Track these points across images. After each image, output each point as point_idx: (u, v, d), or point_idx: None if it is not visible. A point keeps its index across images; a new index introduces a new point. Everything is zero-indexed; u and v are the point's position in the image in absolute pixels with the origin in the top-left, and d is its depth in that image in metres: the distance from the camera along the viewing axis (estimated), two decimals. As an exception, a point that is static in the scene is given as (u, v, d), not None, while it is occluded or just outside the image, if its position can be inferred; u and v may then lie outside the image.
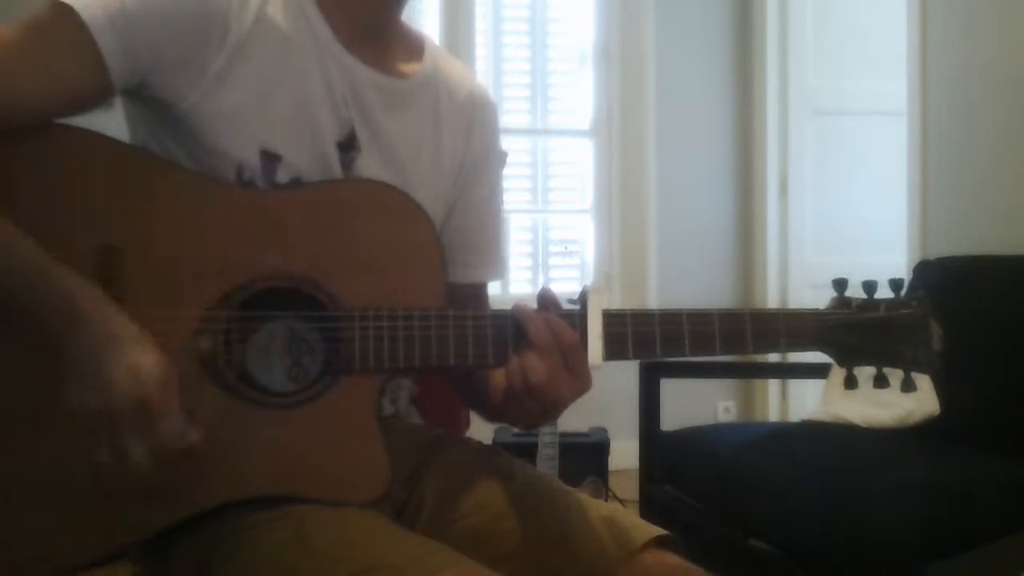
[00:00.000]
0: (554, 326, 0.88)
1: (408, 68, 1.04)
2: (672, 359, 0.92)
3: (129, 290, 0.84)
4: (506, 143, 1.16)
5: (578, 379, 0.89)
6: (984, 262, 2.27)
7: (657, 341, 0.91)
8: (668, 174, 3.67)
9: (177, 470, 0.80)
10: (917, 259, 2.59)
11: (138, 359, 0.78)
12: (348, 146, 0.97)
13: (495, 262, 1.13)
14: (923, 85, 2.74)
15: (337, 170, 0.97)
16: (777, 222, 3.67)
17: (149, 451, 0.77)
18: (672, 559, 0.91)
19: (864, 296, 0.95)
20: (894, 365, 0.94)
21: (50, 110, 0.85)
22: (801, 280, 3.62)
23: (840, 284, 0.96)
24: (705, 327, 0.92)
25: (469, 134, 1.08)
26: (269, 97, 0.92)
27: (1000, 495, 1.68)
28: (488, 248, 1.12)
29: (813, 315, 0.94)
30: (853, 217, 3.59)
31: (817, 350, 0.95)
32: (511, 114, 3.64)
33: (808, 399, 3.39)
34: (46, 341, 0.80)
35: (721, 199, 3.77)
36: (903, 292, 0.95)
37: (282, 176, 0.93)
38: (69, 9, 0.83)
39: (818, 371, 2.38)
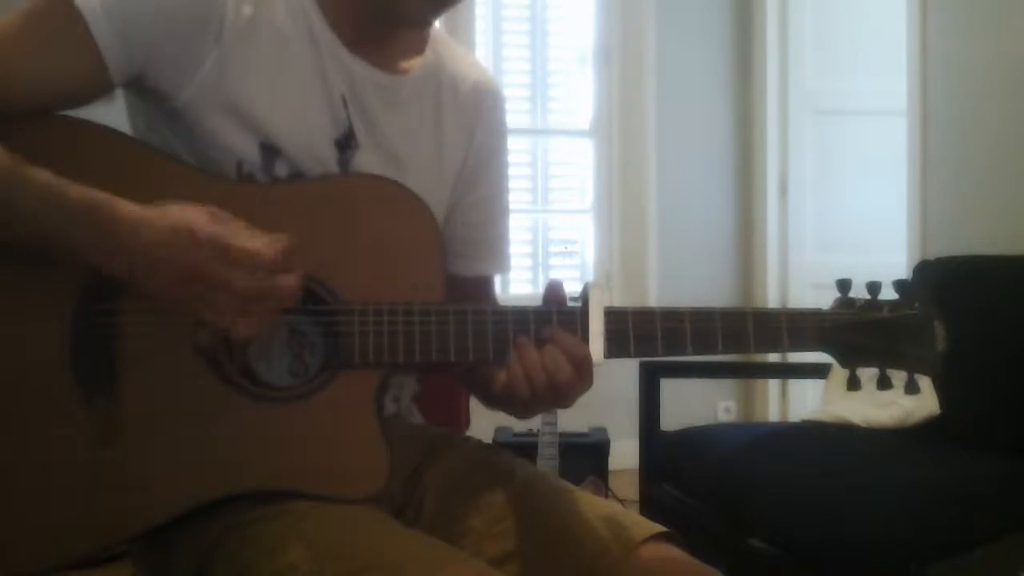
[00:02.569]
0: (565, 344, 0.89)
1: (409, 63, 1.03)
2: (672, 359, 0.92)
3: (129, 283, 0.84)
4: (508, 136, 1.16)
5: (585, 381, 0.90)
6: (984, 262, 2.27)
7: (659, 339, 0.91)
8: (668, 174, 3.67)
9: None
10: (917, 259, 2.59)
11: (180, 209, 0.79)
12: (346, 144, 0.97)
13: (500, 256, 1.13)
14: (923, 85, 2.74)
15: (334, 168, 0.96)
16: (777, 222, 3.67)
17: (247, 274, 0.79)
18: (672, 552, 0.91)
19: (868, 297, 0.95)
20: (897, 367, 0.94)
21: (47, 101, 0.85)
22: (801, 280, 3.62)
23: (844, 285, 0.96)
24: (707, 325, 0.92)
25: (473, 128, 1.08)
26: (267, 93, 0.92)
27: (1000, 495, 1.67)
28: (493, 242, 1.12)
29: (816, 315, 0.94)
30: (853, 217, 3.59)
31: (820, 351, 0.95)
32: (511, 114, 3.59)
33: (808, 399, 3.39)
34: (71, 257, 0.79)
35: (721, 199, 3.77)
36: (907, 293, 0.95)
37: (281, 170, 0.93)
38: (67, 0, 0.82)
39: (818, 371, 2.37)
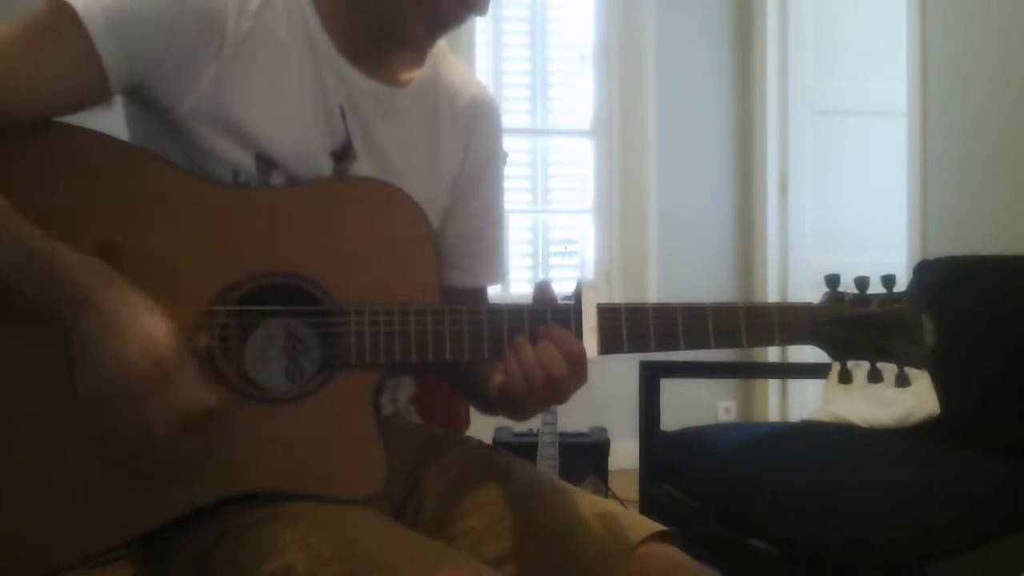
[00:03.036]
0: (560, 339, 0.89)
1: (408, 75, 1.03)
2: (672, 358, 0.93)
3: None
4: (506, 143, 1.16)
5: (579, 378, 0.90)
6: (984, 262, 2.27)
7: (651, 334, 0.91)
8: (668, 174, 3.67)
9: (187, 447, 0.81)
10: (917, 259, 2.59)
11: (147, 329, 0.79)
12: (343, 155, 0.97)
13: (495, 268, 1.13)
14: (923, 85, 2.74)
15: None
16: (777, 222, 3.67)
17: (173, 420, 0.79)
18: (671, 552, 0.91)
19: (856, 291, 0.96)
20: (887, 360, 0.95)
21: (47, 109, 0.85)
22: (801, 279, 3.62)
23: (832, 279, 0.97)
24: (699, 320, 0.92)
25: (469, 141, 1.08)
26: (265, 105, 0.92)
27: (1000, 495, 1.68)
28: (488, 254, 1.12)
29: (806, 309, 0.95)
30: (853, 217, 3.59)
31: (811, 344, 0.96)
32: (511, 114, 3.63)
33: (808, 399, 3.39)
34: (47, 322, 0.80)
35: (721, 199, 3.77)
36: (895, 288, 0.96)
37: (277, 180, 0.93)
38: (68, 8, 0.82)
39: (818, 371, 2.38)
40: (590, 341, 0.90)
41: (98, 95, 0.87)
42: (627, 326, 0.91)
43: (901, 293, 0.95)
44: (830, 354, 0.96)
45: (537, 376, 0.88)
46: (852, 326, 0.94)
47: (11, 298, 0.80)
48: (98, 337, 0.78)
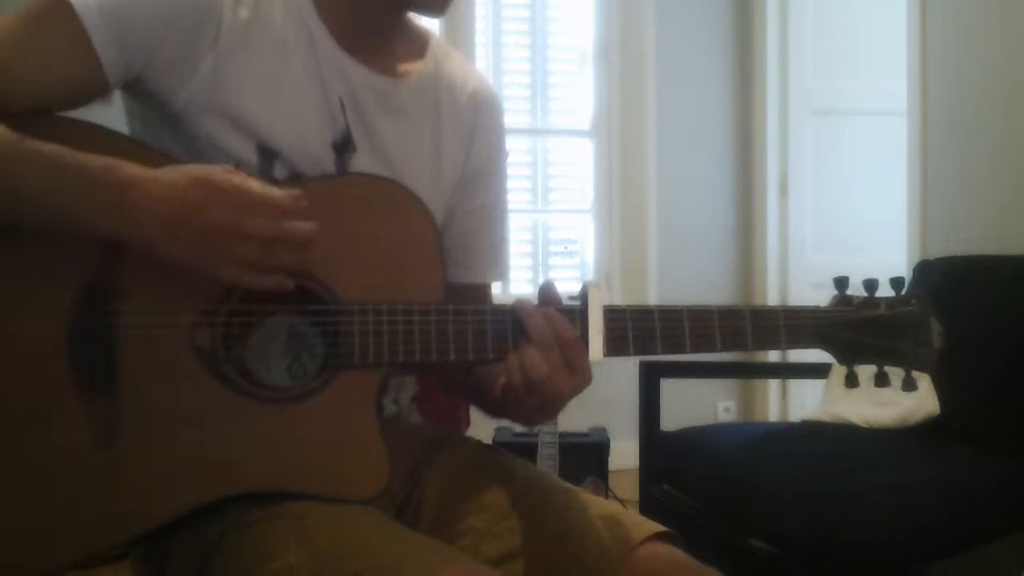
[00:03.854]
0: (554, 322, 0.88)
1: (408, 68, 1.03)
2: (672, 358, 0.92)
3: (128, 284, 0.84)
4: (506, 143, 1.16)
5: (578, 375, 0.89)
6: (984, 262, 2.27)
7: (658, 337, 0.91)
8: (668, 174, 3.67)
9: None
10: (917, 259, 2.59)
11: (195, 170, 0.80)
12: (343, 147, 0.97)
13: (497, 264, 1.13)
14: (923, 85, 2.74)
15: (332, 171, 0.96)
16: (777, 222, 3.67)
17: (276, 224, 0.80)
18: (671, 553, 0.90)
19: (865, 294, 0.95)
20: (895, 363, 0.94)
21: (44, 103, 0.84)
22: (801, 280, 3.62)
23: (841, 282, 0.96)
24: (705, 323, 0.92)
25: (472, 138, 1.07)
26: (264, 96, 0.92)
27: (1000, 495, 1.67)
28: (490, 250, 1.12)
29: (813, 312, 0.95)
30: (853, 217, 3.59)
31: (818, 347, 0.95)
32: (511, 114, 3.63)
33: (808, 399, 3.39)
34: (97, 234, 0.79)
35: (721, 199, 3.77)
36: (904, 291, 0.95)
37: (280, 173, 0.93)
38: (64, 2, 0.82)
39: (818, 371, 2.38)
40: (596, 343, 0.89)
41: (95, 88, 0.87)
42: (633, 328, 0.91)
43: (910, 295, 0.94)
44: (836, 358, 0.95)
45: (517, 378, 0.88)
46: (859, 329, 0.94)
47: (40, 219, 0.78)
48: (152, 202, 0.78)
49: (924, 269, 2.41)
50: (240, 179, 0.81)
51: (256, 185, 0.81)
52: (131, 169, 0.79)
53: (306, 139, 0.95)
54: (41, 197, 0.77)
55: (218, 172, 0.80)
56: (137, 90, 0.90)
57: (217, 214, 0.79)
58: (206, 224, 0.79)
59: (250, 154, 0.92)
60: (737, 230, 3.78)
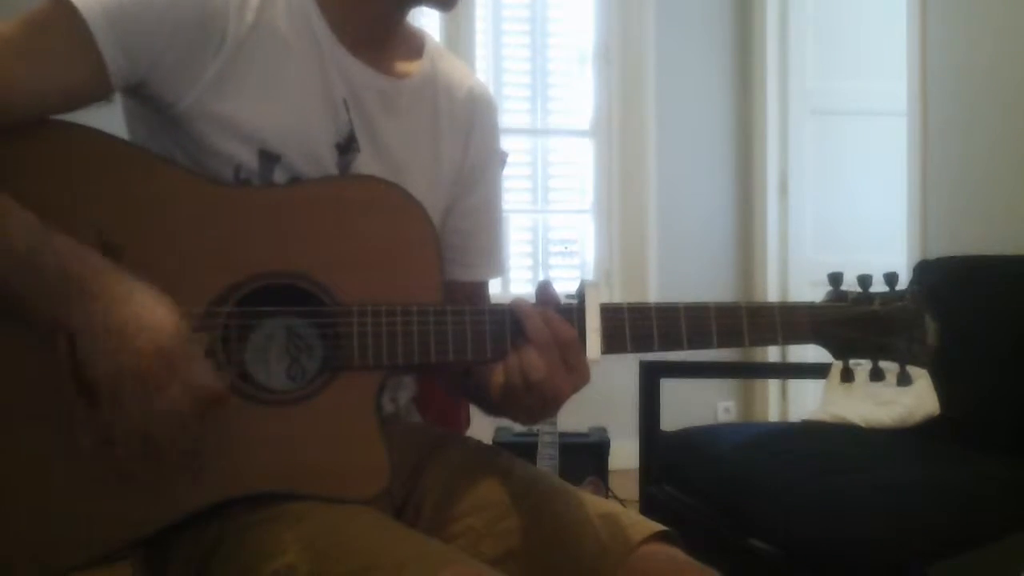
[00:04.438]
0: (552, 322, 0.88)
1: (407, 68, 1.03)
2: (672, 358, 0.93)
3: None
4: (506, 143, 1.16)
5: (576, 374, 0.89)
6: (984, 262, 2.27)
7: (655, 334, 0.92)
8: (668, 174, 3.67)
9: (191, 451, 0.79)
10: (917, 259, 2.60)
11: (157, 314, 0.77)
12: (347, 148, 0.97)
13: (495, 262, 1.13)
14: (923, 85, 2.74)
15: (335, 172, 0.96)
16: (777, 222, 3.67)
17: (181, 411, 0.77)
18: (671, 552, 0.91)
19: (859, 290, 0.95)
20: (889, 359, 0.95)
21: (47, 106, 0.85)
22: (801, 280, 3.62)
23: (835, 278, 0.97)
24: (702, 320, 0.92)
25: (469, 136, 1.08)
26: (268, 99, 0.92)
27: (1000, 495, 1.67)
28: (488, 249, 1.12)
29: (808, 308, 0.95)
30: (853, 217, 3.59)
31: (813, 343, 0.96)
32: (511, 114, 3.64)
33: (808, 399, 3.39)
34: (48, 320, 0.78)
35: (721, 199, 3.77)
36: (897, 286, 0.96)
37: (279, 176, 0.93)
38: (69, 6, 0.82)
39: (818, 371, 2.38)
40: (593, 341, 0.90)
41: (99, 91, 0.87)
42: (630, 326, 0.91)
43: (903, 291, 0.95)
44: (832, 353, 0.96)
45: (516, 378, 0.88)
46: (854, 325, 0.94)
47: (10, 309, 0.78)
48: (106, 323, 0.76)
49: (924, 269, 2.41)
50: (182, 350, 0.77)
51: (193, 366, 0.77)
52: (95, 281, 0.77)
53: (310, 140, 0.95)
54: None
55: (170, 330, 0.77)
56: (140, 94, 0.90)
57: (148, 366, 0.76)
58: (137, 366, 0.76)
59: (251, 159, 0.92)
60: (737, 230, 3.78)
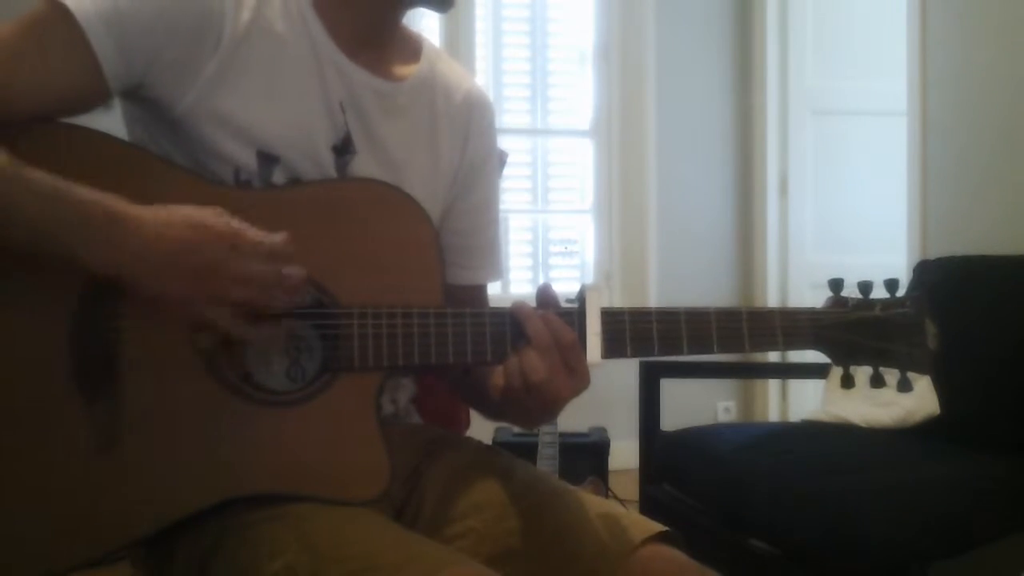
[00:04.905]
0: (552, 325, 0.88)
1: (405, 71, 1.04)
2: (672, 359, 0.93)
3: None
4: (506, 143, 1.16)
5: (577, 377, 0.89)
6: (984, 262, 2.27)
7: (655, 339, 0.92)
8: (668, 174, 3.67)
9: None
10: (917, 259, 2.59)
11: (189, 211, 0.80)
12: (344, 150, 0.97)
13: (493, 264, 1.13)
14: (923, 85, 2.74)
15: (332, 173, 0.97)
16: (777, 222, 3.67)
17: (267, 274, 0.80)
18: (671, 554, 0.91)
19: (859, 296, 0.95)
20: (890, 365, 0.95)
21: (45, 110, 0.84)
22: (801, 280, 3.62)
23: (836, 284, 0.97)
24: (703, 325, 0.92)
25: (466, 137, 1.08)
26: (265, 100, 0.92)
27: (1000, 495, 1.67)
28: (486, 250, 1.12)
29: (809, 314, 0.95)
30: (853, 217, 3.59)
31: (813, 349, 0.96)
32: (511, 114, 3.64)
33: (808, 399, 3.39)
34: (85, 269, 0.79)
35: (721, 199, 3.77)
36: (898, 292, 0.95)
37: (279, 178, 0.93)
38: (63, 8, 0.82)
39: (818, 371, 2.38)
40: (594, 345, 0.90)
41: (96, 95, 0.86)
42: (631, 331, 0.91)
43: (904, 297, 0.95)
44: (832, 359, 0.96)
45: (517, 380, 0.88)
46: (855, 330, 0.94)
47: (31, 244, 0.78)
48: (147, 239, 0.78)
49: (924, 269, 2.41)
50: (234, 222, 0.81)
51: (249, 229, 0.81)
52: (126, 206, 0.79)
53: (307, 142, 0.95)
54: (36, 226, 0.77)
55: (211, 214, 0.81)
56: (138, 96, 0.90)
57: (211, 255, 0.79)
58: (199, 264, 0.79)
59: (250, 159, 0.92)
60: (737, 230, 3.78)
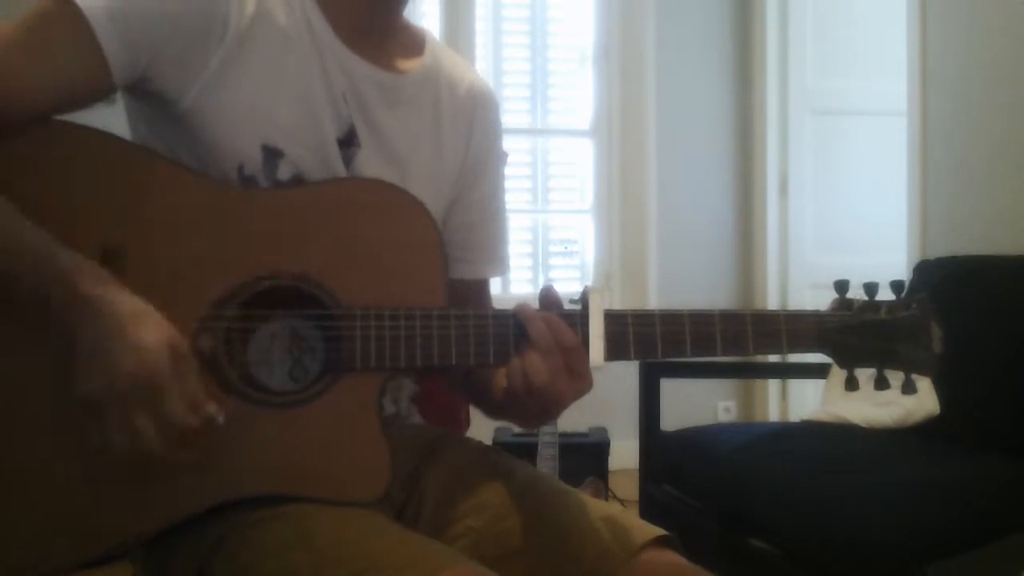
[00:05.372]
0: (555, 327, 0.88)
1: (408, 64, 1.04)
2: (672, 359, 0.92)
3: (131, 288, 0.84)
4: (506, 143, 1.16)
5: (579, 379, 0.89)
6: (984, 262, 2.27)
7: (658, 342, 0.91)
8: (668, 174, 3.67)
9: (186, 457, 0.80)
10: (917, 259, 2.59)
11: (142, 336, 0.78)
12: (348, 142, 0.97)
13: (497, 259, 1.13)
14: (923, 85, 2.74)
15: (338, 166, 0.97)
16: (777, 222, 3.67)
17: (161, 431, 0.78)
18: (672, 558, 0.91)
19: (865, 298, 0.95)
20: (894, 367, 0.94)
21: (50, 104, 0.85)
22: (801, 280, 3.62)
23: (841, 286, 0.96)
24: (706, 328, 0.92)
25: (471, 130, 1.08)
26: (269, 93, 0.92)
27: (1000, 495, 1.67)
28: (490, 245, 1.12)
29: (814, 316, 0.94)
30: (853, 217, 3.59)
31: (818, 351, 0.95)
32: (511, 114, 3.63)
33: (808, 399, 3.39)
34: (48, 327, 0.79)
35: (721, 199, 3.77)
36: (904, 294, 0.95)
37: (283, 172, 0.93)
38: (69, 3, 0.83)
39: (818, 371, 2.38)
40: (597, 347, 0.89)
41: (101, 88, 0.87)
42: (634, 333, 0.91)
43: (910, 299, 0.94)
44: (836, 362, 0.95)
45: (539, 378, 0.88)
46: (860, 333, 0.94)
47: (17, 302, 0.80)
48: (96, 343, 0.78)
49: (924, 269, 2.41)
50: (168, 377, 0.78)
51: (173, 397, 0.78)
52: (97, 295, 0.79)
53: (311, 136, 0.95)
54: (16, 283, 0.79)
55: (156, 364, 0.78)
56: (142, 91, 0.90)
57: (127, 391, 0.77)
58: (117, 388, 0.77)
59: (254, 154, 0.92)
60: (737, 230, 3.78)
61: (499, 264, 1.14)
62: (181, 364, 0.79)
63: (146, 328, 0.79)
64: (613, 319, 0.91)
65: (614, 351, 0.90)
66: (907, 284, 2.33)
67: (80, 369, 0.78)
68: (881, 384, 0.95)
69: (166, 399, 0.78)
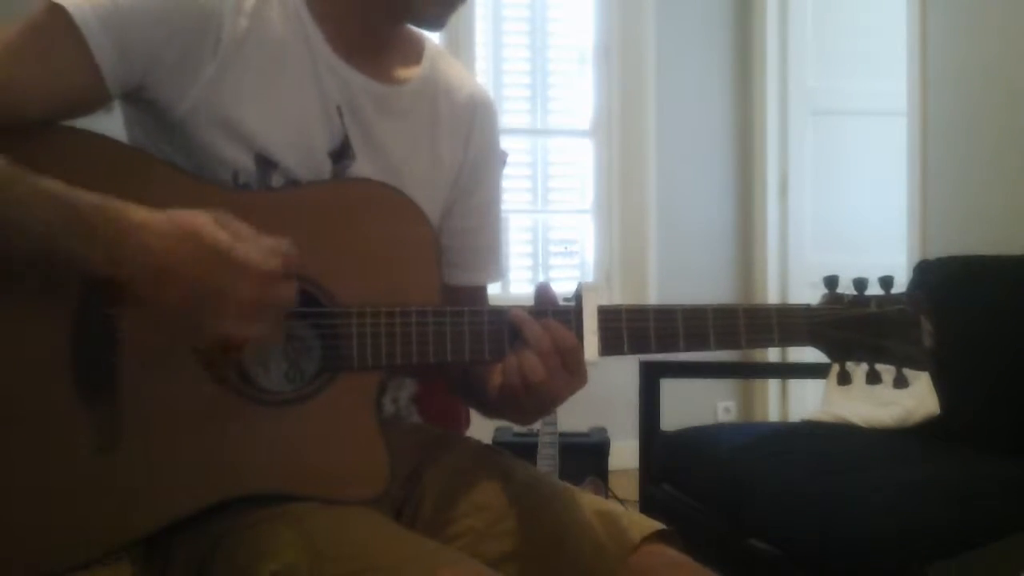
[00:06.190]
0: (552, 330, 0.88)
1: (405, 73, 1.03)
2: (672, 358, 0.93)
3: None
4: (506, 143, 1.16)
5: (576, 377, 0.90)
6: (984, 262, 2.27)
7: (652, 336, 0.92)
8: (668, 174, 3.67)
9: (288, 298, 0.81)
10: (917, 259, 2.59)
11: (183, 222, 0.77)
12: (341, 155, 0.97)
13: (493, 265, 1.13)
14: (923, 85, 2.74)
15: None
16: (777, 222, 3.67)
17: (256, 286, 0.77)
18: (670, 553, 0.91)
19: (855, 292, 0.96)
20: (886, 361, 0.95)
21: (45, 113, 0.84)
22: (801, 280, 3.62)
23: (831, 281, 0.97)
24: (699, 322, 0.92)
25: (469, 138, 1.08)
26: (264, 104, 0.92)
27: (1000, 495, 1.67)
28: (486, 251, 1.12)
29: (805, 311, 0.95)
30: (853, 217, 3.59)
31: (809, 345, 0.96)
32: (511, 114, 3.64)
33: (808, 399, 3.39)
34: (84, 275, 0.78)
35: (721, 199, 3.77)
36: (893, 289, 0.96)
37: (277, 182, 0.93)
38: (62, 11, 0.82)
39: (818, 371, 2.38)
40: (591, 342, 0.90)
41: (96, 97, 0.86)
42: (628, 328, 0.91)
43: (900, 294, 0.95)
44: (828, 355, 0.96)
45: (516, 380, 0.88)
46: (850, 327, 0.94)
47: (33, 252, 0.77)
48: (164, 256, 0.76)
49: (924, 269, 2.41)
50: (227, 237, 0.78)
51: (245, 248, 0.78)
52: (130, 211, 0.78)
53: (305, 147, 0.95)
54: (47, 229, 0.76)
55: (207, 226, 0.78)
56: (138, 99, 0.90)
57: (204, 273, 0.77)
58: (193, 281, 0.77)
59: (248, 163, 0.92)
60: (737, 230, 3.78)
61: (496, 269, 1.14)
62: (232, 227, 0.79)
63: (183, 218, 0.78)
64: (607, 314, 0.91)
65: (608, 346, 0.91)
66: (907, 284, 2.35)
67: (145, 289, 0.77)
68: (873, 378, 0.96)
69: (240, 256, 0.77)
